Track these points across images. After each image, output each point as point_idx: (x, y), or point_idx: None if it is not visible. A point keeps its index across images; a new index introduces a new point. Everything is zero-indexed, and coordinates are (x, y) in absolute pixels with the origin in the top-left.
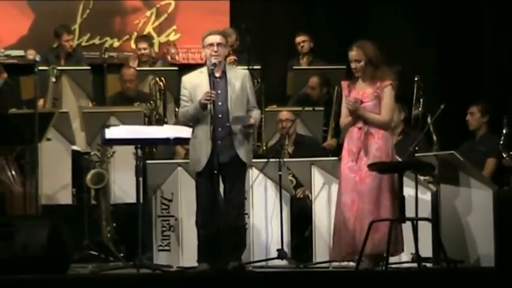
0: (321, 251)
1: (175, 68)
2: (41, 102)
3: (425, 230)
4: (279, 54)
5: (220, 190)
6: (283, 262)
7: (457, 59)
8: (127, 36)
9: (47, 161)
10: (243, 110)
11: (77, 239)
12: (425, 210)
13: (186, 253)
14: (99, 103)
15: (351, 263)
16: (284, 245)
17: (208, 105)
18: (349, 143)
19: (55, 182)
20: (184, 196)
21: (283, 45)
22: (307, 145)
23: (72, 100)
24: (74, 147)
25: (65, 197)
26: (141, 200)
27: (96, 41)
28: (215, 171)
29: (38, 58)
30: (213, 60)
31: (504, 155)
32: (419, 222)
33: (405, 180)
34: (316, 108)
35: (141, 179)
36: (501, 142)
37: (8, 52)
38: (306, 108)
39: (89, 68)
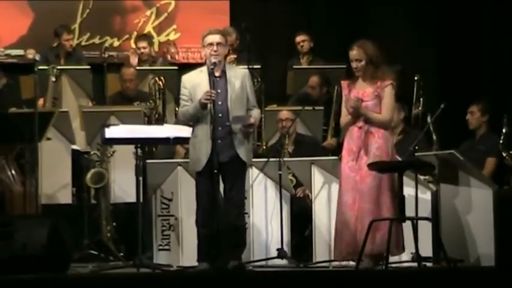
0: (321, 251)
1: (175, 68)
2: (40, 101)
3: (425, 229)
4: (279, 53)
5: (220, 189)
6: (283, 261)
7: (457, 59)
8: (127, 36)
9: (46, 160)
10: (242, 109)
11: (76, 238)
12: (425, 210)
13: (186, 252)
14: (99, 102)
15: (351, 263)
16: (284, 244)
17: (208, 105)
18: (349, 142)
19: (55, 182)
20: (184, 195)
21: (283, 44)
22: (307, 144)
23: (72, 99)
24: (74, 147)
25: (65, 197)
26: (141, 200)
27: (96, 40)
28: (215, 171)
29: (37, 57)
30: (213, 60)
31: (504, 155)
32: (419, 221)
33: (405, 179)
34: (316, 108)
35: (141, 178)
36: (501, 141)
37: (8, 51)
38: (306, 108)
39: (88, 67)
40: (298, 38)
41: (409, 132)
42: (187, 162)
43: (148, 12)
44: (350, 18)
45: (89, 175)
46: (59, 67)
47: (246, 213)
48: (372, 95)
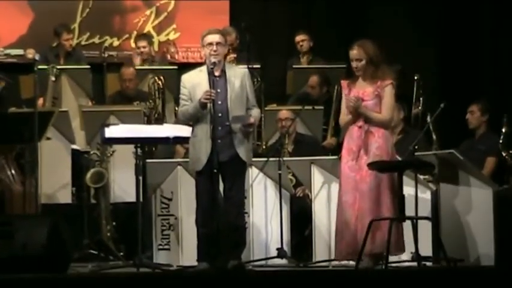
0: (321, 250)
1: (175, 67)
2: (40, 101)
3: (425, 229)
4: (279, 53)
5: (220, 189)
6: (283, 261)
7: (457, 58)
8: (126, 35)
9: (46, 160)
10: (242, 109)
11: (76, 238)
12: (425, 209)
13: (186, 252)
14: (98, 102)
15: (351, 262)
16: (284, 244)
17: (208, 104)
18: (349, 142)
19: (55, 181)
20: (184, 195)
21: (283, 44)
22: (307, 144)
23: (72, 99)
24: (74, 146)
25: (65, 196)
26: (141, 199)
27: (96, 40)
28: (215, 170)
29: (37, 57)
30: (213, 60)
31: (504, 154)
32: (419, 221)
33: (405, 179)
34: (316, 107)
35: (140, 178)
36: (501, 141)
37: (8, 51)
38: (306, 107)
39: (88, 67)
40: (298, 38)
41: (409, 132)
42: (187, 161)
43: (148, 12)
44: (350, 18)
45: (88, 175)
46: (58, 67)
47: (246, 212)
48: (372, 95)
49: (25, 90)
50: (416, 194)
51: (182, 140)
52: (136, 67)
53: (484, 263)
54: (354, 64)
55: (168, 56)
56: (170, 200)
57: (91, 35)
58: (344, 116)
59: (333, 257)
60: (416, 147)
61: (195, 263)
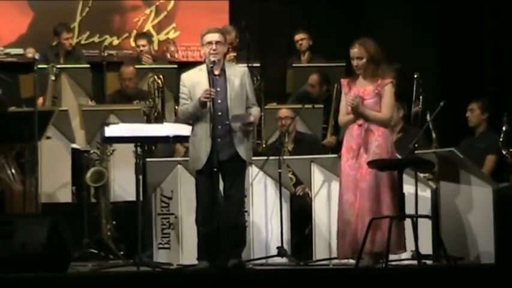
0: (321, 249)
1: (175, 66)
2: (40, 100)
3: (425, 227)
4: (279, 51)
5: (220, 188)
6: (283, 260)
7: (457, 58)
8: (126, 34)
9: (46, 159)
10: (242, 108)
11: (76, 237)
12: (425, 208)
13: (186, 251)
14: (98, 101)
15: (351, 261)
16: (284, 242)
17: (208, 103)
18: (348, 140)
19: (55, 180)
20: (184, 194)
21: (282, 42)
22: (306, 143)
23: (72, 98)
24: (74, 146)
25: (65, 195)
26: (141, 198)
27: (96, 39)
28: (215, 169)
29: (37, 56)
30: (212, 59)
31: (504, 152)
32: (419, 219)
33: (405, 177)
34: (316, 106)
35: (140, 177)
36: (501, 139)
37: (8, 50)
38: (306, 106)
39: (88, 66)
40: (297, 37)
41: (409, 130)
42: (187, 160)
43: (147, 11)
44: (350, 18)
45: (88, 174)
46: (58, 66)
47: (246, 211)
48: (372, 93)
49: (25, 89)
50: (416, 192)
51: (182, 139)
52: (136, 66)
53: (484, 261)
54: (354, 62)
55: (168, 55)
56: (170, 199)
57: (91, 34)
58: (342, 115)
59: (333, 255)
60: (416, 145)
61: (195, 262)
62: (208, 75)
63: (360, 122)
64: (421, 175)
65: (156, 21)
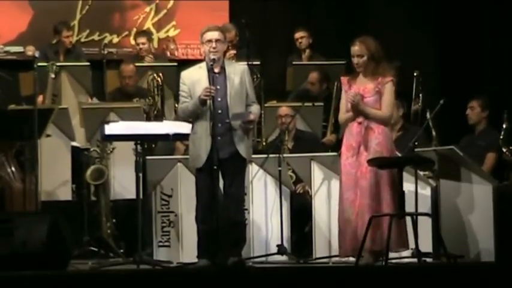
0: (321, 247)
1: (175, 64)
2: (40, 98)
3: (425, 225)
4: (279, 49)
5: (220, 186)
6: (283, 258)
7: (457, 58)
8: (126, 32)
9: (46, 157)
10: (242, 105)
11: (76, 235)
12: (425, 205)
13: (186, 249)
14: (98, 99)
15: (351, 258)
16: (284, 240)
17: (208, 101)
18: (348, 138)
19: (55, 178)
20: (184, 192)
21: (282, 40)
22: (306, 141)
23: (72, 96)
24: (74, 143)
25: (65, 193)
26: (141, 196)
27: (96, 37)
28: (215, 167)
29: (37, 54)
30: (212, 57)
31: (504, 150)
32: (419, 217)
33: (405, 175)
34: (316, 104)
35: (140, 174)
36: (501, 137)
37: (7, 48)
38: (306, 104)
39: (88, 64)
40: (297, 35)
41: (409, 129)
42: (187, 158)
43: (147, 9)
44: (350, 16)
45: (88, 172)
46: (58, 64)
47: (246, 209)
48: (372, 91)
49: (25, 87)
50: (416, 190)
51: (182, 137)
52: (136, 64)
53: (484, 259)
54: (355, 60)
55: (168, 53)
56: (170, 196)
57: (91, 32)
58: (342, 113)
59: (333, 253)
60: (416, 143)
61: (195, 260)
62: (208, 73)
63: (360, 120)
64: (421, 173)
65: (156, 19)
